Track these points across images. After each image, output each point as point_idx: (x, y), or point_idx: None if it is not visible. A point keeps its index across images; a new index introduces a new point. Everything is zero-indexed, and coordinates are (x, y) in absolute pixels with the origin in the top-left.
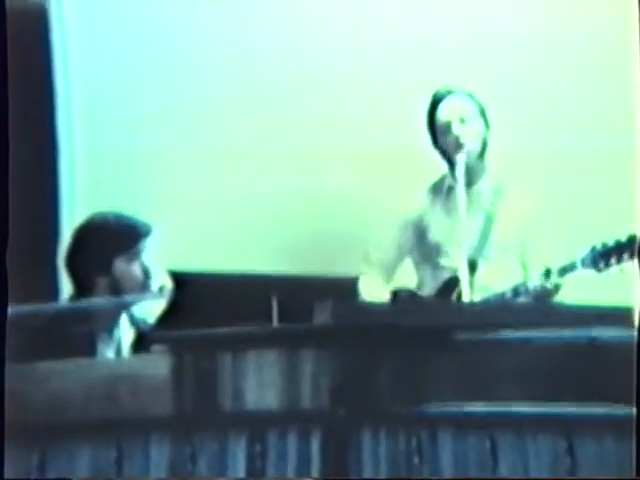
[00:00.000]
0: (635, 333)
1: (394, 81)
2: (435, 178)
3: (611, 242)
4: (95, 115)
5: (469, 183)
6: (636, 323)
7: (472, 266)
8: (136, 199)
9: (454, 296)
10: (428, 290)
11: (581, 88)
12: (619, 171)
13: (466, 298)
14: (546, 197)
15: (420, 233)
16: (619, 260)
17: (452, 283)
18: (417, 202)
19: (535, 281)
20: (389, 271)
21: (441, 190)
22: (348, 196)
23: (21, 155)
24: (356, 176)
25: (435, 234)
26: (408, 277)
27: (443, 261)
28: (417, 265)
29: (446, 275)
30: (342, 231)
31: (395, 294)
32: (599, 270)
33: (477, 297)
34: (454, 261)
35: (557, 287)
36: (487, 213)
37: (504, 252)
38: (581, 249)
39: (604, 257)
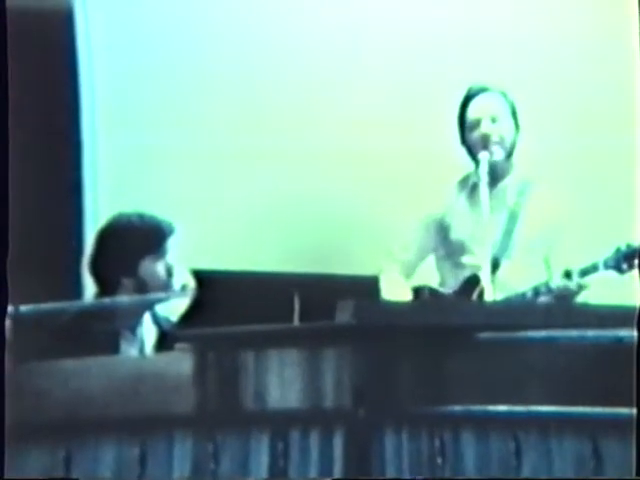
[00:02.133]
0: (635, 333)
1: (419, 79)
2: (460, 176)
3: (635, 244)
4: (118, 116)
5: (494, 181)
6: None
7: (494, 264)
8: (157, 199)
9: (475, 295)
10: (449, 288)
11: (610, 88)
12: None
13: (489, 297)
14: (573, 197)
15: (444, 231)
16: None
17: (473, 281)
18: (441, 200)
19: (557, 281)
20: (410, 269)
21: (465, 188)
22: (372, 195)
23: (44, 157)
24: (380, 175)
25: (458, 232)
26: (430, 275)
27: (465, 259)
28: (439, 263)
29: (467, 273)
30: (366, 230)
31: (416, 291)
32: (622, 272)
33: (498, 296)
34: (476, 259)
35: (580, 288)
36: (511, 212)
37: (528, 251)
38: (607, 250)
39: (628, 259)
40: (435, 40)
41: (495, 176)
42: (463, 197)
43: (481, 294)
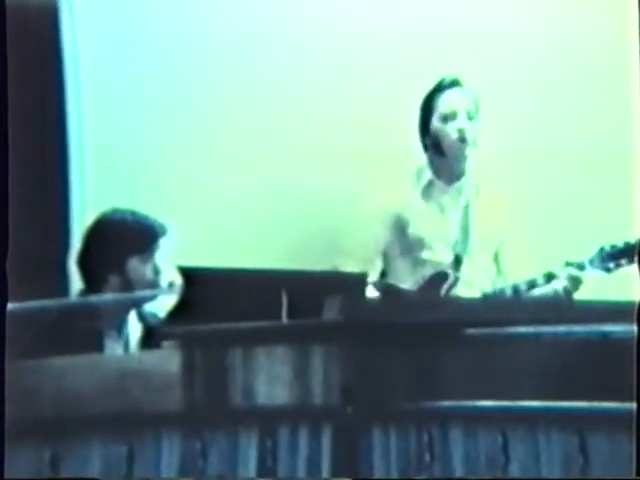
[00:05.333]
0: (635, 328)
1: (378, 75)
2: (413, 171)
3: (620, 243)
4: (105, 114)
5: (452, 179)
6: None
7: (457, 261)
8: (144, 198)
9: (443, 291)
10: (407, 284)
11: (570, 89)
12: (605, 173)
13: (463, 292)
14: (521, 196)
15: (400, 227)
16: (631, 261)
17: (440, 277)
18: (397, 196)
19: (563, 271)
20: (367, 264)
21: (419, 184)
22: (328, 192)
23: (30, 155)
24: (336, 172)
25: (416, 228)
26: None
27: (426, 254)
28: (392, 259)
29: (428, 269)
30: (322, 227)
31: (374, 285)
32: (609, 271)
33: (463, 292)
34: (438, 255)
35: (579, 281)
36: (465, 210)
37: (483, 249)
38: (555, 252)
39: (614, 258)
40: (403, 35)
41: (454, 174)
42: (418, 193)
43: (448, 291)
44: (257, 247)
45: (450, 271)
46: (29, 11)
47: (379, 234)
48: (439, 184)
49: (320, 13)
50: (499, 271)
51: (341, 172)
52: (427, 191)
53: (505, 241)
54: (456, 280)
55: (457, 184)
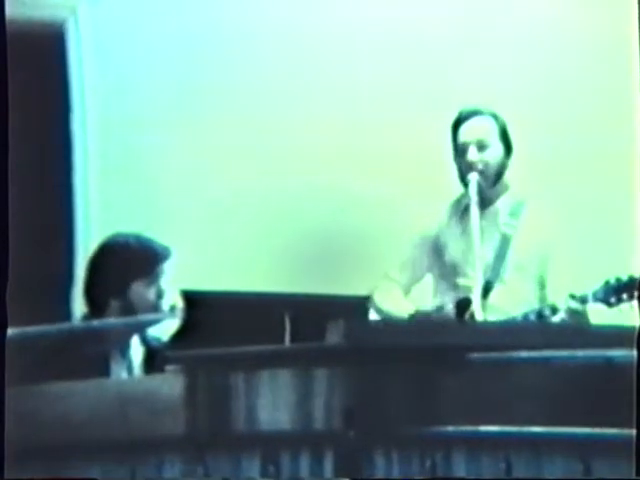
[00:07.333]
0: (635, 353)
1: (415, 97)
2: (454, 195)
3: (625, 277)
4: (109, 140)
5: (486, 204)
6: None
7: (487, 288)
8: (149, 220)
9: (467, 317)
10: (447, 309)
11: (607, 106)
12: None
13: (479, 318)
14: (567, 216)
15: (438, 252)
16: (631, 296)
17: (464, 304)
18: (435, 220)
19: (565, 304)
20: (406, 289)
21: (458, 209)
22: (366, 214)
23: (34, 176)
24: (375, 195)
25: (452, 254)
26: (425, 295)
27: (460, 281)
28: (437, 283)
29: (462, 295)
30: (360, 249)
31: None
32: (610, 305)
33: (490, 319)
34: (469, 281)
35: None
36: (503, 234)
37: (521, 273)
38: (598, 275)
39: (617, 292)
40: (432, 56)
41: (485, 199)
42: (456, 218)
43: (472, 317)
44: (286, 270)
45: (473, 297)
46: (36, 30)
47: (419, 259)
48: (472, 207)
49: (356, 29)
50: (544, 299)
51: (383, 195)
52: (463, 216)
53: (550, 265)
54: (481, 306)
55: (491, 208)
